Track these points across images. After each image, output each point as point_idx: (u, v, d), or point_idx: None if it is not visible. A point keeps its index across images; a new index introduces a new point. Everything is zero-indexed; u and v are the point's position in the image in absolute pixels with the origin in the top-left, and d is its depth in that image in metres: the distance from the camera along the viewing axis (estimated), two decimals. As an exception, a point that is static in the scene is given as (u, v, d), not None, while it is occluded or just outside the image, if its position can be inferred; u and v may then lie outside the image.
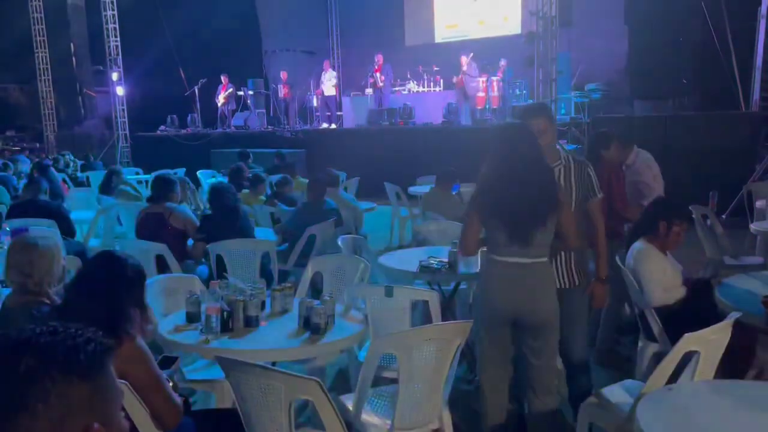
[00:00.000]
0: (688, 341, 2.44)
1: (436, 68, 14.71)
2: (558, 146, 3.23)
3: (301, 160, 12.34)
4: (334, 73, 15.58)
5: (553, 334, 2.96)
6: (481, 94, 13.11)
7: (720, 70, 10.05)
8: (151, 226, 4.90)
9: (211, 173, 10.85)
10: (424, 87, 14.91)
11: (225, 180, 8.02)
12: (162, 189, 5.09)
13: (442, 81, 14.59)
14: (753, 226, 5.79)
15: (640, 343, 3.63)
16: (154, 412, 2.16)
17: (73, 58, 16.77)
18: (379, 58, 14.25)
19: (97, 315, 2.04)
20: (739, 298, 3.17)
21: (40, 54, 16.76)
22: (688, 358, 2.50)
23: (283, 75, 15.75)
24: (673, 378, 2.51)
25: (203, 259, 4.91)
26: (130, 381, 2.05)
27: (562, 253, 3.13)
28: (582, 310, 3.23)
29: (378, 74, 14.26)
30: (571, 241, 2.98)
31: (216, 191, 5.11)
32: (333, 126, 14.98)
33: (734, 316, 2.60)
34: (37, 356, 0.92)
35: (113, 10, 15.50)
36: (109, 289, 2.19)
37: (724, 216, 8.00)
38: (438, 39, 16.83)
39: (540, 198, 2.82)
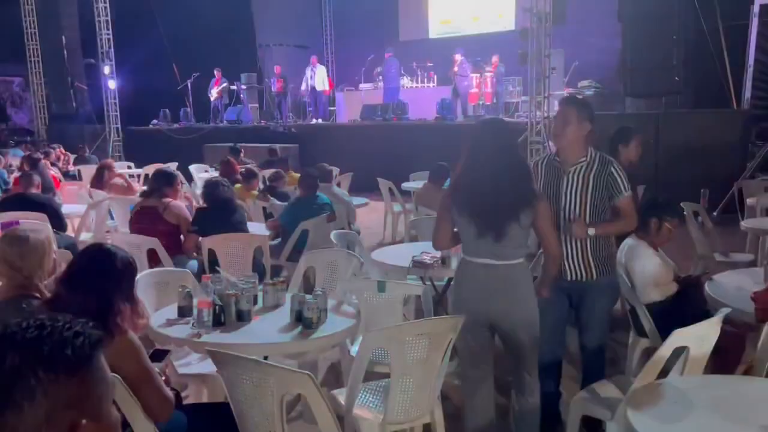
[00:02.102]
0: (678, 337, 2.45)
1: (429, 64, 14.70)
2: (588, 146, 3.13)
3: (293, 155, 12.32)
4: (323, 68, 15.53)
5: (530, 335, 2.86)
6: (474, 90, 13.11)
7: (712, 68, 10.11)
8: (145, 220, 4.88)
9: (204, 167, 10.82)
10: (417, 83, 14.90)
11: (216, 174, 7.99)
12: (159, 183, 5.08)
13: (435, 77, 14.58)
14: (743, 224, 5.84)
15: (630, 339, 3.65)
16: (146, 405, 2.15)
17: (65, 51, 16.63)
18: (386, 55, 14.19)
19: (86, 309, 2.03)
20: (729, 295, 3.19)
21: (31, 46, 16.62)
22: (678, 353, 2.52)
23: (277, 69, 15.70)
24: (663, 373, 2.53)
25: (195, 254, 4.90)
26: (122, 375, 2.05)
27: (576, 243, 3.05)
28: (598, 306, 3.13)
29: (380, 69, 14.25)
30: (550, 247, 2.88)
31: (210, 184, 5.11)
32: (320, 120, 14.95)
33: (724, 312, 2.62)
34: (22, 353, 0.90)
35: (105, 2, 15.38)
36: (97, 282, 2.17)
37: (715, 213, 8.05)
38: (432, 35, 16.82)
39: (512, 190, 2.75)
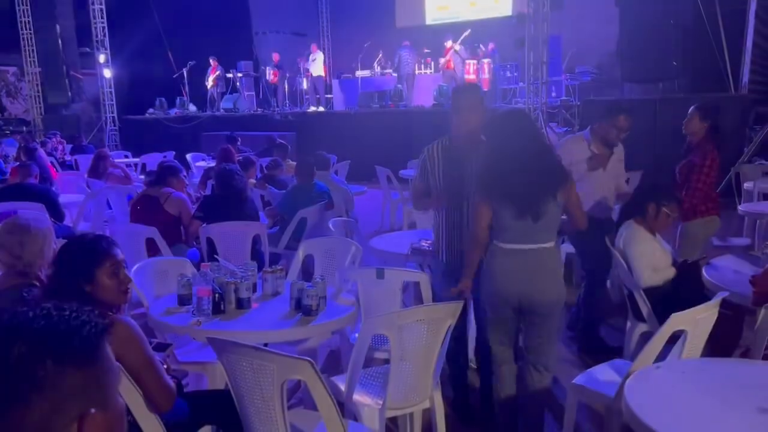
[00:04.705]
0: (676, 321, 2.47)
1: (426, 51, 14.62)
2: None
3: (291, 143, 12.28)
4: (321, 55, 15.46)
5: (557, 316, 2.98)
6: (471, 77, 13.07)
7: (710, 52, 10.06)
8: (145, 209, 4.88)
9: (201, 156, 10.78)
10: (417, 69, 14.83)
11: (213, 163, 7.98)
12: (163, 173, 5.11)
13: (433, 63, 14.51)
14: (741, 208, 5.86)
15: (628, 323, 3.67)
16: (147, 394, 2.16)
17: (59, 40, 16.50)
18: (404, 43, 14.13)
19: (80, 295, 2.07)
20: (726, 278, 3.21)
21: (26, 35, 16.50)
22: (675, 337, 2.54)
23: (275, 57, 15.62)
24: (661, 357, 2.55)
25: (194, 242, 4.90)
26: (124, 363, 2.05)
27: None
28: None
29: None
30: (579, 221, 3.00)
31: (223, 173, 5.08)
32: (321, 108, 14.91)
33: (721, 295, 2.64)
34: (30, 343, 0.88)
35: (99, -10, 15.26)
36: (68, 273, 2.18)
37: (712, 198, 8.04)
38: (429, 21, 16.72)
39: (548, 170, 2.84)
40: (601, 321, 4.30)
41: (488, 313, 3.04)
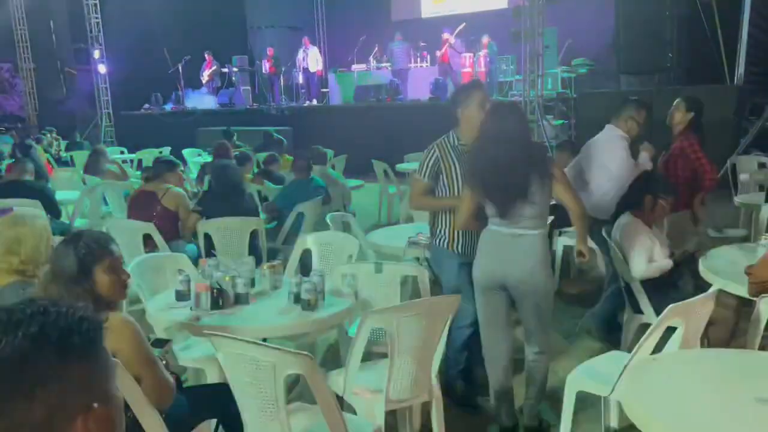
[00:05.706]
0: (673, 312, 2.48)
1: (423, 44, 14.58)
2: None
3: (287, 138, 12.26)
4: (315, 49, 15.41)
5: (545, 301, 3.03)
6: (467, 70, 13.05)
7: (705, 44, 10.06)
8: (142, 205, 4.87)
9: (197, 152, 10.75)
10: (411, 63, 14.80)
11: (210, 158, 7.97)
12: (160, 169, 5.11)
13: (429, 57, 14.48)
14: (737, 199, 5.88)
15: (626, 315, 3.69)
16: (147, 390, 2.16)
17: (53, 36, 16.42)
18: (397, 38, 14.09)
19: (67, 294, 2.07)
20: (722, 270, 3.22)
21: (19, 31, 16.41)
22: (673, 328, 2.55)
23: (269, 51, 15.57)
24: (659, 348, 2.56)
25: (192, 238, 4.90)
26: (122, 359, 2.06)
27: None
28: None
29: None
30: (573, 208, 3.03)
31: (218, 167, 5.09)
32: (314, 102, 14.88)
33: (718, 287, 2.65)
34: (31, 339, 0.89)
35: (92, -15, 15.17)
36: (65, 270, 2.18)
37: (708, 189, 8.05)
38: (425, 14, 16.66)
39: (526, 173, 2.88)
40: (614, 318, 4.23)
41: (476, 293, 3.11)
